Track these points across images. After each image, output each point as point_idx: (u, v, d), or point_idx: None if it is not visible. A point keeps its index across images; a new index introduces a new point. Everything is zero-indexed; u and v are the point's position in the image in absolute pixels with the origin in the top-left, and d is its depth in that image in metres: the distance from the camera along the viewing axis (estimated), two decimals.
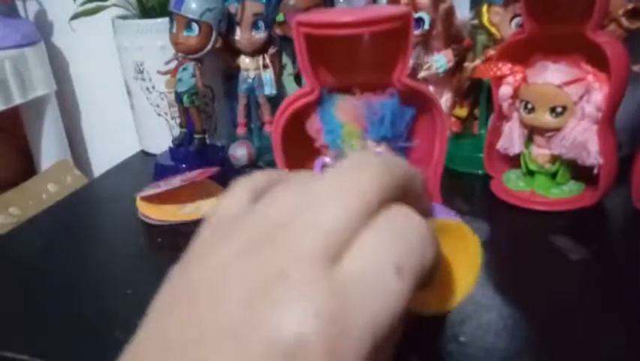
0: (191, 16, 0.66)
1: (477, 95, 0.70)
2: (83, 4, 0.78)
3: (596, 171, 0.54)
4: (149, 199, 0.63)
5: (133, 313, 0.46)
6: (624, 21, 0.58)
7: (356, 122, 0.41)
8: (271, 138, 0.43)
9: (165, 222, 0.60)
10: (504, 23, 0.63)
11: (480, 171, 0.66)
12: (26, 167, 1.01)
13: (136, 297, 0.47)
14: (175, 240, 0.57)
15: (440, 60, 0.66)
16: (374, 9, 0.47)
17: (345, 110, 0.41)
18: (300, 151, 0.44)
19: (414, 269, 0.18)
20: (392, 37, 0.39)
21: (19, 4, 0.99)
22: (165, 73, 0.70)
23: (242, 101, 0.77)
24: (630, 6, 0.58)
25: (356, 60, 0.42)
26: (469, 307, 0.43)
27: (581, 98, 0.53)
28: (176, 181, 0.64)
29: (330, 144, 0.41)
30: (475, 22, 0.70)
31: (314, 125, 0.42)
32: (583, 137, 0.53)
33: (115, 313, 0.46)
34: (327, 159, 0.42)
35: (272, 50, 0.75)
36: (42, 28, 1.00)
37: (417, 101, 0.43)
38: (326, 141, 0.41)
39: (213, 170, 0.65)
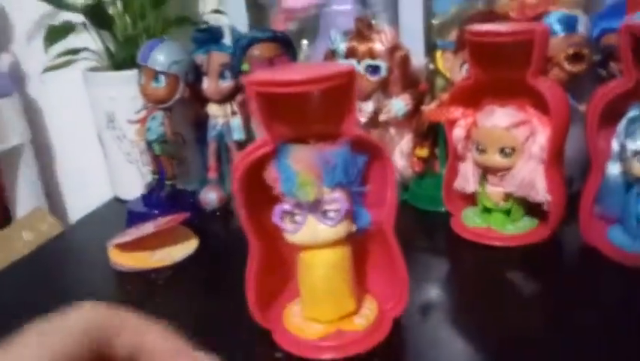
0: (158, 68, 0.69)
1: (436, 135, 0.73)
2: (55, 57, 0.80)
3: (545, 207, 0.57)
4: (121, 247, 0.64)
5: None
6: (566, 65, 0.62)
7: (310, 171, 0.43)
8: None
9: (136, 270, 0.62)
10: (454, 69, 0.67)
11: (443, 209, 0.69)
12: (1, 215, 1.02)
13: None
14: (145, 287, 0.58)
15: (398, 104, 0.69)
16: (321, 66, 0.50)
17: (299, 159, 0.43)
18: (263, 198, 0.46)
19: None
20: (339, 92, 0.42)
21: None
22: (135, 122, 0.72)
23: (212, 147, 0.80)
24: (571, 51, 0.62)
25: (308, 113, 0.45)
26: (424, 344, 0.45)
27: (527, 139, 0.56)
28: (147, 228, 0.66)
29: (286, 192, 0.43)
30: (433, 66, 0.74)
31: (271, 174, 0.44)
32: (530, 176, 0.56)
33: None
34: (286, 206, 0.45)
35: (240, 98, 0.78)
36: (16, 80, 1.02)
37: (369, 148, 0.46)
38: (282, 190, 0.43)
39: (184, 216, 0.67)
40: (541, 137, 0.55)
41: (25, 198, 1.00)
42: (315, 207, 0.44)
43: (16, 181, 1.00)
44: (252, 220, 0.46)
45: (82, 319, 0.22)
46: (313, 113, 0.44)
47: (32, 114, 1.04)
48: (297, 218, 0.45)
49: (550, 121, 0.54)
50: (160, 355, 0.23)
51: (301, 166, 0.43)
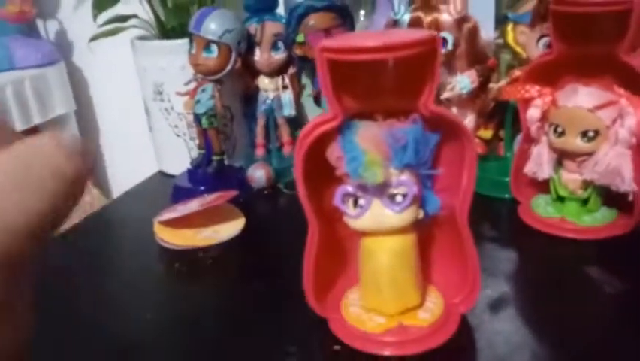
0: (210, 37, 0.65)
1: (502, 116, 0.68)
2: (102, 25, 0.78)
3: (630, 197, 0.52)
4: (166, 223, 0.61)
5: (150, 338, 0.45)
6: None
7: (378, 150, 0.39)
8: (293, 166, 0.41)
9: (182, 248, 0.59)
10: (531, 43, 0.61)
11: (506, 196, 0.64)
12: None
13: (155, 323, 0.46)
14: (193, 266, 0.56)
15: (464, 81, 0.64)
16: (400, 33, 0.45)
17: (367, 137, 0.39)
18: (322, 178, 0.42)
19: None
20: (418, 62, 0.37)
21: (40, 24, 1.00)
22: (184, 94, 0.69)
23: (261, 122, 0.76)
24: None
25: (380, 85, 0.40)
26: (501, 347, 0.41)
27: (614, 122, 0.51)
28: (193, 205, 0.63)
29: (352, 172, 0.39)
30: (500, 41, 0.69)
31: (334, 152, 0.40)
32: (617, 162, 0.50)
33: (133, 339, 0.44)
34: (349, 188, 0.41)
35: (291, 71, 0.74)
36: (62, 48, 1.00)
37: (442, 127, 0.41)
38: (347, 170, 0.39)
39: (231, 194, 0.64)
40: (630, 119, 0.49)
41: None
42: (381, 190, 0.40)
43: None
44: (312, 200, 0.42)
45: None
46: (386, 86, 0.40)
47: (78, 84, 1.03)
48: (361, 202, 0.41)
49: None
50: None
51: (369, 145, 0.39)
